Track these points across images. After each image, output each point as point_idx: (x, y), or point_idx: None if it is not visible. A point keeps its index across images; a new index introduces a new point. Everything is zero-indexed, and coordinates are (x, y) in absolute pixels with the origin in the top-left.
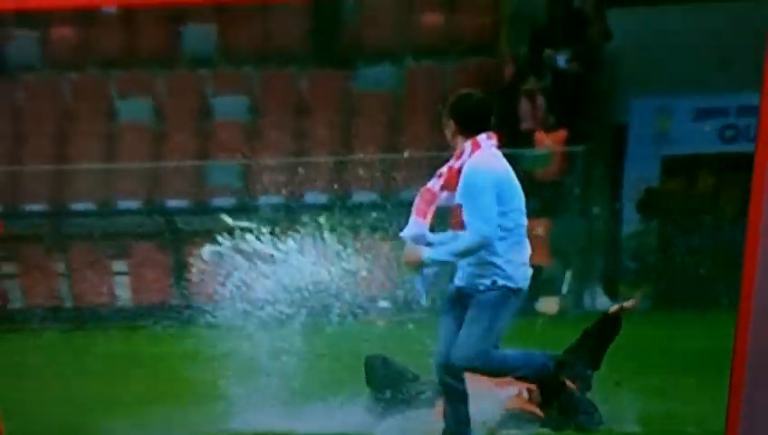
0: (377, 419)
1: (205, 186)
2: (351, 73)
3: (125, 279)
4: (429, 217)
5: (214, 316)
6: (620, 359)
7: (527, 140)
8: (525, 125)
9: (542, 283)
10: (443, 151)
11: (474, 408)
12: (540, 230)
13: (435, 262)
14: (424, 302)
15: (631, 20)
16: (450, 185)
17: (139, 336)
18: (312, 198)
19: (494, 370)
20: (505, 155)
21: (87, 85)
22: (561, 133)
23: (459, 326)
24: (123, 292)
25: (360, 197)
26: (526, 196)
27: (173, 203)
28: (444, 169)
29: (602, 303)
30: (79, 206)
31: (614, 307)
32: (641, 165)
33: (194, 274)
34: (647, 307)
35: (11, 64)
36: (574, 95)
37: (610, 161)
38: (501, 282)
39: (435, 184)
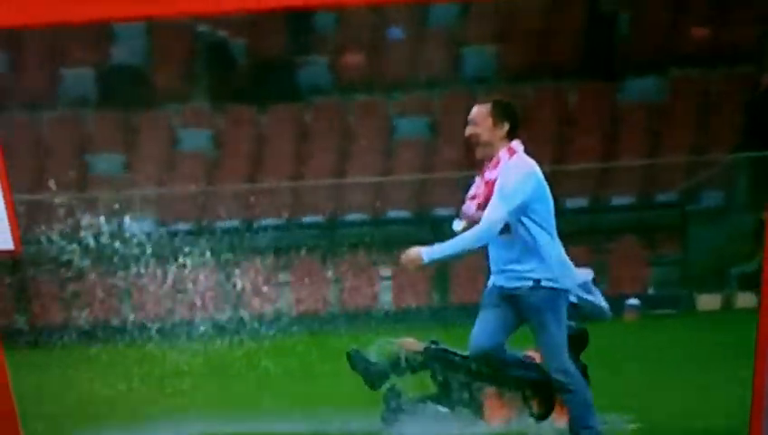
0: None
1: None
2: (618, 85)
3: (389, 284)
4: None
5: None
6: None
7: None
8: None
9: None
10: (702, 155)
11: None
12: None
13: (434, 261)
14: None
15: None
16: (487, 201)
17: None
18: (571, 203)
19: (577, 384)
20: (763, 157)
21: (369, 106)
22: None
23: (499, 325)
24: (386, 296)
25: (621, 200)
26: None
27: (442, 212)
28: (479, 191)
29: None
30: (352, 217)
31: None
32: None
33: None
34: None
35: (303, 89)
36: None
37: None
38: (545, 283)
39: (469, 208)
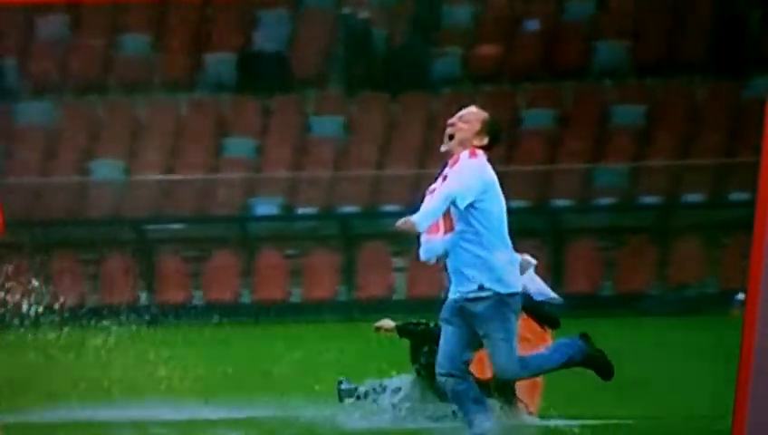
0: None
1: (592, 187)
2: (745, 83)
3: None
4: (441, 229)
5: None
6: None
7: None
8: None
9: None
10: None
11: None
12: None
13: (426, 225)
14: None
15: None
16: None
17: None
18: (691, 197)
19: (537, 371)
20: None
21: (496, 97)
22: None
23: (459, 345)
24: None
25: (737, 196)
26: None
27: (560, 202)
28: (436, 185)
29: None
30: None
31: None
32: None
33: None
34: None
35: (435, 78)
36: None
37: None
38: (488, 284)
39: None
